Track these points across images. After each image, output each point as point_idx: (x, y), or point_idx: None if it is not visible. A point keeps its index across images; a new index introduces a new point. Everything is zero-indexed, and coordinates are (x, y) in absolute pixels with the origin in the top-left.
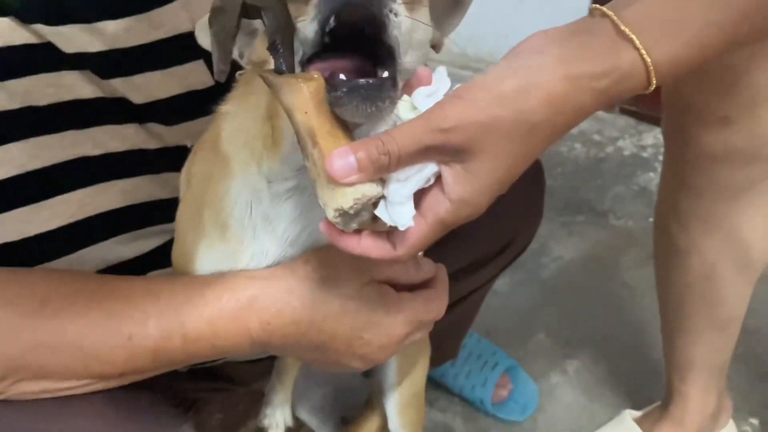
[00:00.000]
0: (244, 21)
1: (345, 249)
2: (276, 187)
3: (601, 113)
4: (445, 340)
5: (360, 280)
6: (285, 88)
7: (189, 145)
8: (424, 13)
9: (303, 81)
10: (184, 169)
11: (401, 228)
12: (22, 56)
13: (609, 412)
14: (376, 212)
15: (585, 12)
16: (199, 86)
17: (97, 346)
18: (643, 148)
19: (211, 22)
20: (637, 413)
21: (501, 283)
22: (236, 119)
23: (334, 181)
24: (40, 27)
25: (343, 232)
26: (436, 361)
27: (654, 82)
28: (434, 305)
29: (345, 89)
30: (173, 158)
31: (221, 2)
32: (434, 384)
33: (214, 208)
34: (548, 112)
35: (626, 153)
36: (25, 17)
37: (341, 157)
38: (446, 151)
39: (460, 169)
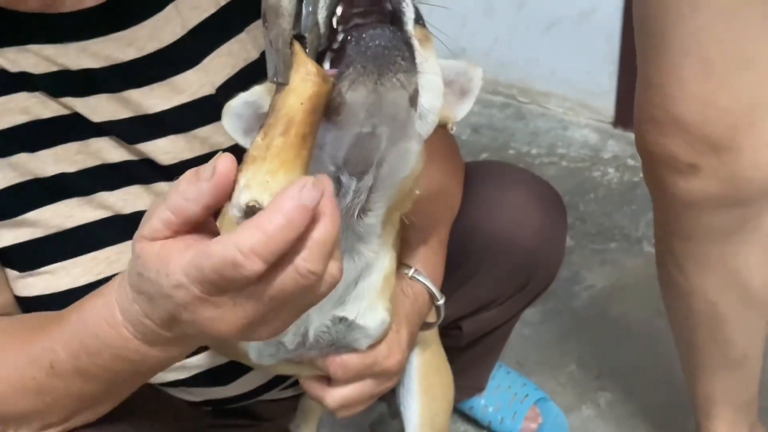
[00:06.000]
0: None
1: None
2: None
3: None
4: (471, 373)
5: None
6: (301, 69)
7: None
8: (432, 53)
9: (319, 76)
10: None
11: None
12: (51, 128)
13: None
14: None
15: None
16: (223, 146)
17: (37, 382)
18: None
19: (269, 27)
20: None
21: (531, 313)
22: None
23: (272, 175)
24: (68, 99)
25: None
26: (463, 393)
27: None
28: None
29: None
30: None
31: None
32: (463, 416)
33: None
34: None
35: None
36: (53, 92)
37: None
38: None
39: None
